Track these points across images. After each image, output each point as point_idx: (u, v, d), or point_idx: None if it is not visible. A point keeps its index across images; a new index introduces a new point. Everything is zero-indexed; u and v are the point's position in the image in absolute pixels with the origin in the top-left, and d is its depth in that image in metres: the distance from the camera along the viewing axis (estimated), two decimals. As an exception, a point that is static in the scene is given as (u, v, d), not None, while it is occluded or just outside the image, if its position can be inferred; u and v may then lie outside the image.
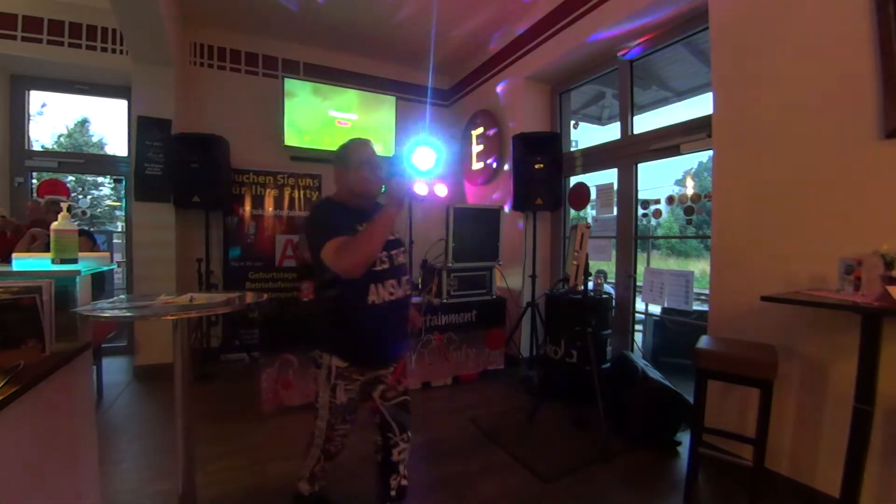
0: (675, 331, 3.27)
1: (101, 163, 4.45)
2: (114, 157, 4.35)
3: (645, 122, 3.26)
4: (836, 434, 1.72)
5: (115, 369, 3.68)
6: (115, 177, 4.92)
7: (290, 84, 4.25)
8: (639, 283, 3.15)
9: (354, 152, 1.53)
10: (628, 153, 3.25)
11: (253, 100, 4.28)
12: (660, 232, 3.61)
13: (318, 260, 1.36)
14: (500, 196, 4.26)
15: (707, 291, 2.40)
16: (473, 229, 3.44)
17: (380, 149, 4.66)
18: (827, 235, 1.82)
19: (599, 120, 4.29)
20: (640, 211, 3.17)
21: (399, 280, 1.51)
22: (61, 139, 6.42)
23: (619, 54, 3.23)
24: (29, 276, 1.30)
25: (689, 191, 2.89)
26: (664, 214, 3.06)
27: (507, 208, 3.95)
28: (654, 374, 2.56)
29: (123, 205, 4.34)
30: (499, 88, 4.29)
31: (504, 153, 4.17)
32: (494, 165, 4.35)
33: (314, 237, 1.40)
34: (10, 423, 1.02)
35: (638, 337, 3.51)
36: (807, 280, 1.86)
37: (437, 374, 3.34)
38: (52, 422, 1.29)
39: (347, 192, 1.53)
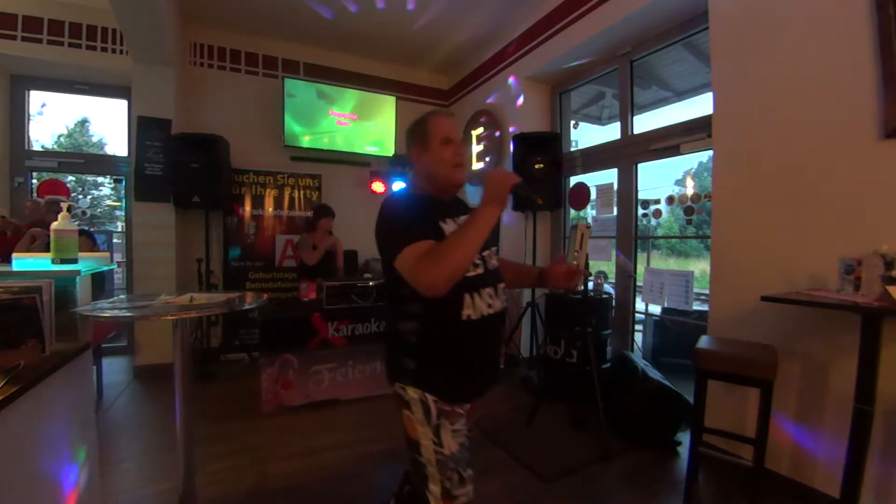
0: (675, 331, 3.27)
1: (101, 163, 4.45)
2: (114, 157, 4.35)
3: (645, 122, 3.26)
4: (836, 434, 1.72)
5: (115, 369, 3.68)
6: (115, 177, 4.92)
7: (290, 84, 4.25)
8: (639, 283, 3.15)
9: (435, 126, 1.19)
10: (628, 153, 3.25)
11: (253, 100, 4.28)
12: (660, 232, 3.61)
13: (392, 270, 1.07)
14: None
15: (707, 291, 2.40)
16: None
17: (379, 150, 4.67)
18: (827, 235, 1.82)
19: (599, 120, 4.29)
20: (640, 211, 3.17)
21: (496, 288, 1.19)
22: (61, 139, 6.42)
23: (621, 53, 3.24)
24: (29, 276, 1.30)
25: (689, 191, 2.89)
26: (664, 214, 3.06)
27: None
28: (654, 374, 2.56)
29: (123, 205, 4.34)
30: (498, 88, 4.29)
31: (504, 153, 4.17)
32: (494, 165, 4.34)
33: (387, 240, 1.10)
34: (10, 423, 1.02)
35: (638, 337, 3.51)
36: (807, 280, 1.86)
37: (437, 374, 3.33)
38: (52, 422, 1.29)
39: (426, 180, 1.22)
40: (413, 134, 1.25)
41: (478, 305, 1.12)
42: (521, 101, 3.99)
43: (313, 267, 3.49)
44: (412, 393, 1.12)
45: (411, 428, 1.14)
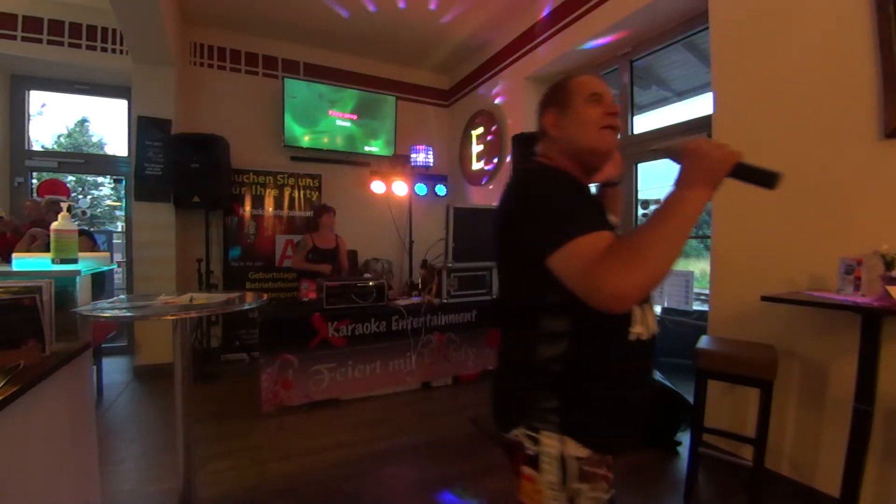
0: (675, 331, 3.27)
1: (101, 163, 4.45)
2: (114, 157, 4.36)
3: (645, 122, 3.25)
4: (836, 434, 1.72)
5: (115, 369, 3.68)
6: (115, 177, 4.92)
7: (290, 84, 4.25)
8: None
9: (577, 83, 0.93)
10: (628, 153, 3.25)
11: (253, 100, 4.28)
12: (660, 232, 3.60)
13: (525, 272, 0.83)
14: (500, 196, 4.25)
15: (707, 291, 2.40)
16: (473, 229, 3.43)
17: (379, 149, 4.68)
18: (827, 235, 1.82)
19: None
20: (641, 211, 3.17)
21: (650, 296, 0.90)
22: (61, 139, 6.42)
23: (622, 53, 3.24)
24: (29, 276, 1.30)
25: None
26: (664, 214, 3.06)
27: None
28: (654, 374, 2.56)
29: (123, 205, 4.34)
30: (499, 88, 4.29)
31: (504, 153, 4.17)
32: (494, 165, 4.35)
33: (532, 229, 0.79)
34: (10, 423, 1.02)
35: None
36: (807, 280, 1.86)
37: (437, 374, 3.34)
38: (52, 422, 1.29)
39: (562, 151, 0.93)
40: (548, 98, 0.97)
41: (648, 320, 0.85)
42: (521, 101, 3.98)
43: (299, 270, 3.52)
44: (547, 443, 0.81)
45: (531, 494, 0.84)
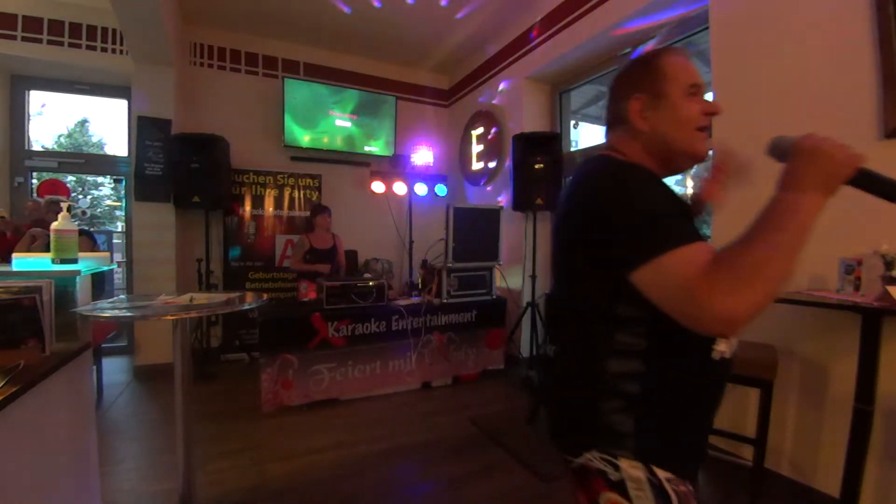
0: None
1: (101, 163, 4.45)
2: (114, 157, 4.36)
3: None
4: (836, 434, 1.72)
5: (115, 369, 3.68)
6: (115, 177, 4.92)
7: (290, 84, 4.25)
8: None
9: (675, 67, 0.79)
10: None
11: (253, 100, 4.28)
12: (660, 232, 3.61)
13: (612, 278, 0.69)
14: (500, 196, 4.26)
15: (707, 291, 2.39)
16: (473, 229, 3.44)
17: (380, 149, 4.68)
18: (827, 235, 1.81)
19: (599, 120, 4.29)
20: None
21: None
22: (61, 139, 6.42)
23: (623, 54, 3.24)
24: (29, 276, 1.30)
25: (689, 191, 2.89)
26: (664, 214, 3.06)
27: (503, 202, 3.96)
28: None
29: (123, 205, 4.34)
30: (499, 88, 4.29)
31: (504, 153, 4.17)
32: (494, 165, 4.35)
33: (620, 234, 0.67)
34: (10, 423, 1.02)
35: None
36: (807, 280, 1.86)
37: (437, 374, 3.34)
38: (52, 422, 1.29)
39: (650, 147, 0.79)
40: (635, 79, 0.80)
41: (731, 338, 0.76)
42: (521, 101, 3.99)
43: (299, 271, 3.53)
44: (629, 469, 0.71)
45: None
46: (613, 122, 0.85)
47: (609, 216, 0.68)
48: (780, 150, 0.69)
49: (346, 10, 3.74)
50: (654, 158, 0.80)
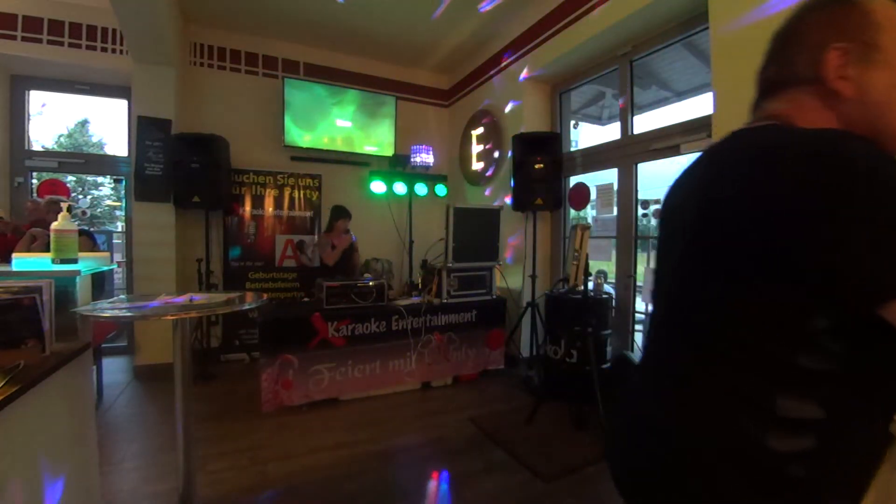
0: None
1: (101, 163, 4.45)
2: (114, 157, 4.35)
3: (645, 122, 3.26)
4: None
5: (115, 369, 3.68)
6: (115, 177, 4.93)
7: (290, 84, 4.25)
8: (639, 283, 3.15)
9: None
10: (628, 153, 3.25)
11: (253, 100, 4.28)
12: (660, 232, 3.61)
13: (812, 319, 0.48)
14: (500, 196, 4.26)
15: (707, 291, 2.39)
16: (473, 229, 3.44)
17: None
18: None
19: (599, 120, 4.29)
20: (640, 211, 3.17)
21: None
22: (61, 139, 6.43)
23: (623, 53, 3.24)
24: (29, 276, 1.30)
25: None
26: (664, 214, 3.06)
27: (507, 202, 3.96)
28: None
29: (123, 205, 4.34)
30: (499, 88, 4.29)
31: (504, 153, 4.17)
32: (494, 166, 4.35)
33: (867, 249, 0.43)
34: (10, 423, 1.02)
35: (638, 337, 3.51)
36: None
37: (437, 374, 3.34)
38: (52, 422, 1.29)
39: (854, 123, 0.55)
40: (834, 22, 0.56)
41: None
42: (521, 101, 3.99)
43: (335, 266, 3.58)
44: None
45: None
46: (785, 81, 0.60)
47: (840, 218, 0.43)
48: None
49: None
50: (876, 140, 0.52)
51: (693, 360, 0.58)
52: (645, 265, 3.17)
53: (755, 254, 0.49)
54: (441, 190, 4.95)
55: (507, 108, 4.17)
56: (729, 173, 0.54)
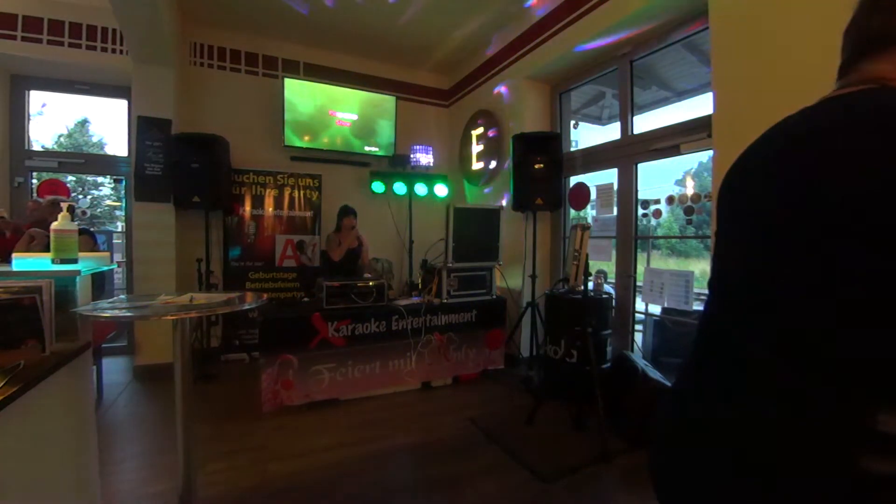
0: (675, 331, 3.27)
1: (101, 163, 4.45)
2: (114, 157, 4.35)
3: (645, 122, 3.26)
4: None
5: (115, 369, 3.68)
6: (115, 177, 4.92)
7: (290, 84, 4.25)
8: (639, 283, 3.14)
9: None
10: (628, 153, 3.25)
11: (253, 100, 4.28)
12: (660, 232, 3.61)
13: None
14: (500, 196, 4.26)
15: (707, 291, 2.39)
16: (473, 229, 3.44)
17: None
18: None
19: (599, 120, 4.29)
20: (640, 211, 3.17)
21: None
22: (61, 139, 6.43)
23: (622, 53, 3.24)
24: (29, 276, 1.30)
25: (689, 191, 2.89)
26: (664, 214, 3.06)
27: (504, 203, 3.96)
28: (654, 374, 2.56)
29: (123, 205, 4.34)
30: (499, 88, 4.29)
31: (504, 153, 4.17)
32: (494, 165, 4.35)
33: None
34: (10, 422, 1.02)
35: (638, 337, 3.51)
36: (807, 280, 1.86)
37: (437, 374, 3.34)
38: (52, 422, 1.29)
39: None
40: None
41: None
42: (521, 101, 3.99)
43: (339, 263, 3.58)
44: None
45: None
46: (886, 38, 0.52)
47: None
48: None
49: (328, 3, 3.68)
50: None
51: (778, 369, 0.48)
52: (645, 265, 3.17)
53: None
54: (441, 190, 4.95)
55: (508, 108, 4.17)
56: (870, 137, 0.44)
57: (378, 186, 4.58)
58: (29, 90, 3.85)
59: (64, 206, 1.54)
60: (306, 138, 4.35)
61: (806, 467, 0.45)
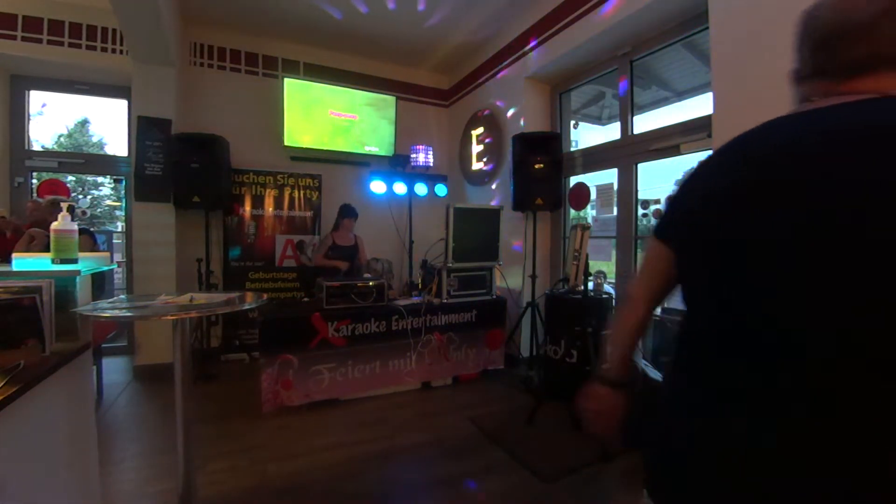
0: (675, 331, 3.27)
1: (101, 163, 4.45)
2: (114, 157, 4.35)
3: (645, 122, 3.25)
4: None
5: (115, 369, 3.68)
6: (115, 177, 4.92)
7: (290, 84, 4.25)
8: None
9: None
10: (628, 153, 3.25)
11: (253, 100, 4.28)
12: (660, 232, 3.61)
13: None
14: (500, 196, 4.26)
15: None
16: (473, 229, 3.44)
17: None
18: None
19: (599, 120, 4.29)
20: (641, 211, 3.17)
21: None
22: (61, 139, 6.43)
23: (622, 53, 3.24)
24: (29, 276, 1.30)
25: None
26: (664, 214, 3.06)
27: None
28: (654, 374, 2.56)
29: (123, 205, 4.34)
30: (499, 88, 4.29)
31: (504, 153, 4.17)
32: (494, 165, 4.35)
33: None
34: (10, 422, 1.02)
35: (638, 337, 3.51)
36: (807, 280, 1.86)
37: (437, 374, 3.34)
38: (52, 422, 1.29)
39: None
40: None
41: None
42: (521, 101, 3.99)
43: (316, 268, 3.61)
44: None
45: None
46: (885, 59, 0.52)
47: None
48: None
49: (336, 16, 3.74)
50: None
51: None
52: (645, 265, 3.16)
53: None
54: (441, 190, 4.95)
55: (507, 108, 4.17)
56: None
57: (378, 186, 4.58)
58: (29, 90, 3.84)
59: (64, 206, 1.53)
60: (306, 138, 4.35)
61: (833, 467, 0.44)
